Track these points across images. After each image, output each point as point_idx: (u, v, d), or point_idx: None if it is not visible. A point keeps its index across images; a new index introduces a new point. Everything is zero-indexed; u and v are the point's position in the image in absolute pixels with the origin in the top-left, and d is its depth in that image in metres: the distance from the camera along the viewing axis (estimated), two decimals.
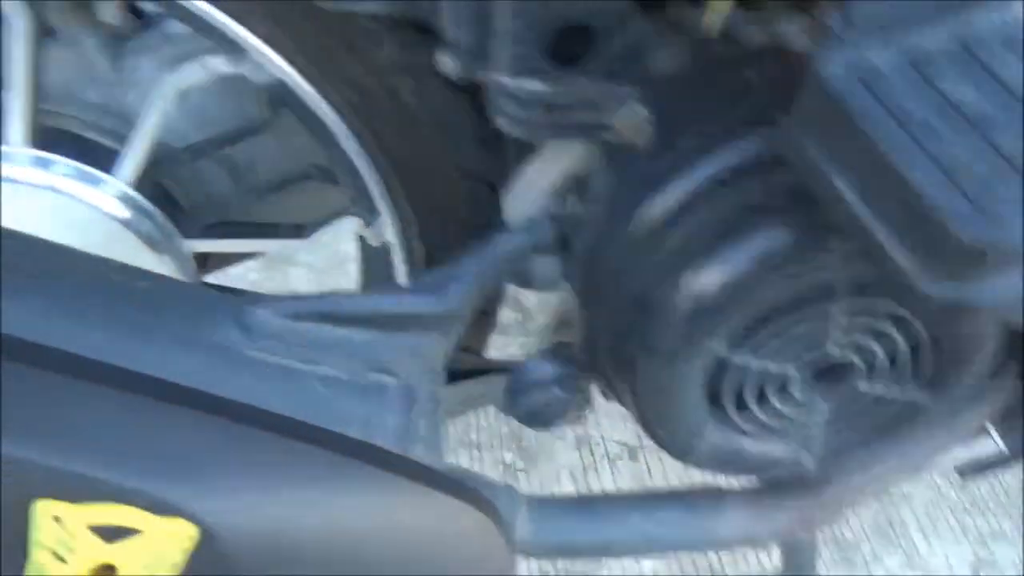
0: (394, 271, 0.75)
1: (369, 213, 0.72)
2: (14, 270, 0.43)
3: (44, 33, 0.65)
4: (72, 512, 0.34)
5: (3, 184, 0.67)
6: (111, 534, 0.35)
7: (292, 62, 0.59)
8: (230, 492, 0.38)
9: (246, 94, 0.71)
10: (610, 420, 1.25)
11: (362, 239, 0.79)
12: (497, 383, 0.64)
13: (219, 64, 0.63)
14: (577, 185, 0.56)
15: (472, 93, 0.63)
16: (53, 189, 0.69)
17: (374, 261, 0.78)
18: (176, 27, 0.74)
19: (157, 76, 0.72)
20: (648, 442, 0.77)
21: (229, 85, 0.69)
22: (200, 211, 0.75)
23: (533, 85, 0.46)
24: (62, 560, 0.34)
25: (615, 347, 0.58)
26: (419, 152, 0.64)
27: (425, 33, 0.58)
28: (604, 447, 1.22)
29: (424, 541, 0.44)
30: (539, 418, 0.58)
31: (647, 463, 1.20)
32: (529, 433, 1.24)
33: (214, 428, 0.39)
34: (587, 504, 0.57)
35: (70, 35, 0.70)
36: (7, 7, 0.60)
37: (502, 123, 0.50)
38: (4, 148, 0.66)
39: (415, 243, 0.72)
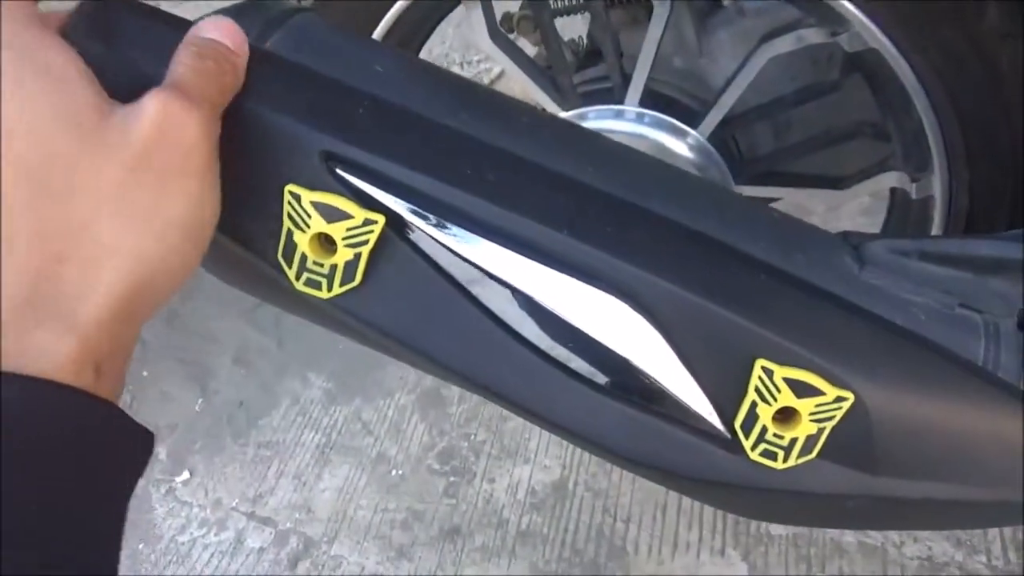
0: (930, 224, 0.81)
1: (919, 170, 0.79)
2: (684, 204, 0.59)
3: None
4: (778, 370, 0.49)
5: (614, 134, 0.88)
6: (801, 390, 0.49)
7: (889, 33, 0.68)
8: (879, 377, 0.50)
9: (819, 60, 0.81)
10: None
11: (897, 191, 0.86)
12: None
13: (813, 35, 0.74)
14: None
15: None
16: (647, 138, 0.88)
17: (908, 212, 0.85)
18: (750, 3, 0.87)
19: (732, 45, 0.87)
20: None
21: (804, 51, 0.80)
22: (754, 163, 0.89)
23: None
24: (767, 402, 0.50)
25: None
26: (996, 112, 0.69)
27: None
28: None
29: (1017, 447, 0.52)
30: None
31: None
32: None
33: (872, 330, 0.52)
34: None
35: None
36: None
37: None
38: (623, 107, 0.86)
39: (962, 198, 0.77)
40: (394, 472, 1.44)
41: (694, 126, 0.85)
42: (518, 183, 0.52)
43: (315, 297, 0.50)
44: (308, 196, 0.47)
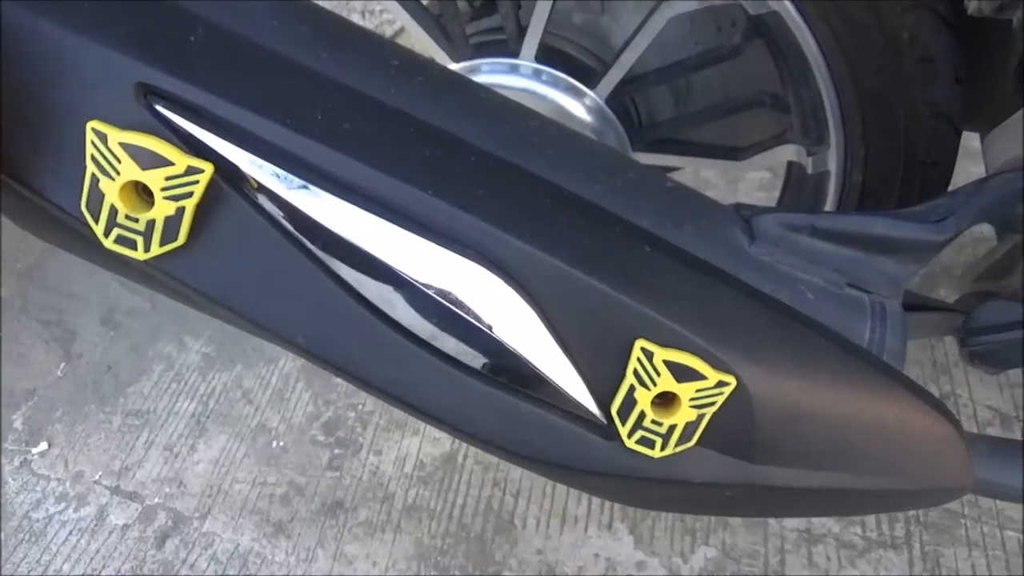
0: (825, 199, 0.79)
1: (815, 143, 0.76)
2: (574, 171, 0.54)
3: None
4: (659, 351, 0.45)
5: (506, 90, 0.82)
6: (682, 374, 0.45)
7: None
8: (763, 361, 0.47)
9: (723, 26, 0.77)
10: (984, 384, 1.18)
11: (793, 165, 0.84)
12: (937, 319, 0.66)
13: None
14: None
15: (961, 31, 0.63)
16: (543, 97, 0.82)
17: (803, 187, 0.83)
18: None
19: (635, 3, 0.82)
20: None
21: (707, 14, 0.76)
22: (652, 129, 0.85)
23: None
24: (646, 387, 0.46)
25: None
26: (894, 86, 0.67)
27: None
28: (973, 409, 1.17)
29: (898, 435, 0.50)
30: (995, 358, 0.59)
31: None
32: None
33: (758, 311, 0.48)
34: None
35: None
36: None
37: None
38: (517, 61, 0.80)
39: (856, 174, 0.75)
40: (275, 443, 1.36)
41: (592, 86, 0.80)
42: (378, 134, 0.45)
43: (130, 258, 0.42)
44: (117, 136, 0.39)
